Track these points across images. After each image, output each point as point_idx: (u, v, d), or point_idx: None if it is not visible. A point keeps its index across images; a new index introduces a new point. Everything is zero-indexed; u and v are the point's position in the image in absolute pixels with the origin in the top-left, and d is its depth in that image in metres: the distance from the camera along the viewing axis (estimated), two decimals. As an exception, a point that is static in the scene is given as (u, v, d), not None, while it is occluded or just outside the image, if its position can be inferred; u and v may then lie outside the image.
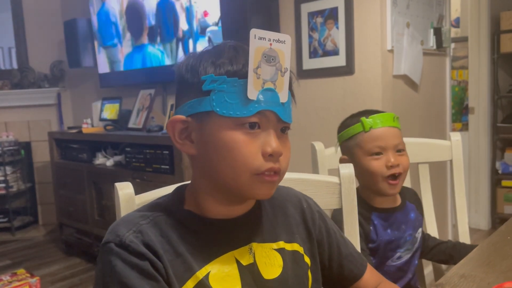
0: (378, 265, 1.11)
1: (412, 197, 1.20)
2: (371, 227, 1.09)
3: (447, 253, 1.22)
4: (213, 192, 0.65)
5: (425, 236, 1.25)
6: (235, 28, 2.23)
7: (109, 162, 2.77)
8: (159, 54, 2.83)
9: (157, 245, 0.61)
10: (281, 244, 0.70)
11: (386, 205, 1.12)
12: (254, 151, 0.61)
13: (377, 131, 1.07)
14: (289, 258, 0.70)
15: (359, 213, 1.05)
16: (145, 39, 2.91)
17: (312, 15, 2.24)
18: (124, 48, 3.07)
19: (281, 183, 0.79)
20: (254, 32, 0.60)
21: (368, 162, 1.06)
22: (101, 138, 2.86)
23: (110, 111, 3.08)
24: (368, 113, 1.11)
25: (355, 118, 1.11)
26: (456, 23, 4.03)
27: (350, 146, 1.10)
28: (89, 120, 3.15)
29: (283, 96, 0.63)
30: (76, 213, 3.03)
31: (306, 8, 2.25)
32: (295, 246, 0.72)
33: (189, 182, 0.71)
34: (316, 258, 0.75)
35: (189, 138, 0.65)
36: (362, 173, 1.08)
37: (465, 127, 3.58)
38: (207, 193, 0.66)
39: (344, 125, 1.14)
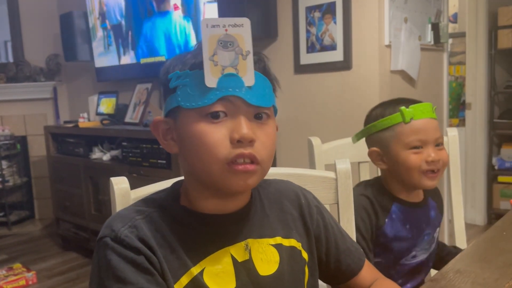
0: (391, 264, 1.05)
1: (435, 195, 1.13)
2: (386, 220, 1.02)
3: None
4: (200, 188, 0.65)
5: (439, 244, 1.18)
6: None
7: (106, 157, 2.77)
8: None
9: (152, 240, 0.61)
10: (278, 239, 0.70)
11: (409, 198, 1.05)
12: (221, 139, 0.60)
13: (418, 122, 0.98)
14: (286, 254, 0.70)
15: (378, 203, 1.02)
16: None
17: (309, 9, 2.23)
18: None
19: (279, 179, 0.79)
20: (206, 22, 0.60)
21: (407, 155, 0.98)
22: (97, 133, 2.85)
23: (107, 105, 3.07)
24: (404, 101, 1.01)
25: (390, 107, 1.01)
26: (454, 19, 4.03)
27: (385, 138, 1.01)
28: (85, 115, 3.14)
29: (248, 80, 0.61)
30: (72, 208, 3.02)
31: (303, 3, 2.24)
32: (293, 242, 0.71)
33: (180, 179, 0.71)
34: (314, 254, 0.75)
35: (173, 137, 0.66)
36: (397, 166, 1.00)
37: (462, 123, 3.59)
38: (195, 189, 0.66)
39: (376, 115, 1.04)
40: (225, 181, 0.61)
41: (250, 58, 0.61)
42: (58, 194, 3.17)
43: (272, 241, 0.69)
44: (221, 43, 0.60)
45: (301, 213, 0.74)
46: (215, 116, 0.61)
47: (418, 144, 0.98)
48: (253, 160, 0.61)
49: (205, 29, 0.59)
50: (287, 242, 0.71)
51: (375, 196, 1.04)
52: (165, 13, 2.70)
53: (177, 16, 2.62)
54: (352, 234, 0.92)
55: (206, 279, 0.63)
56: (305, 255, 0.73)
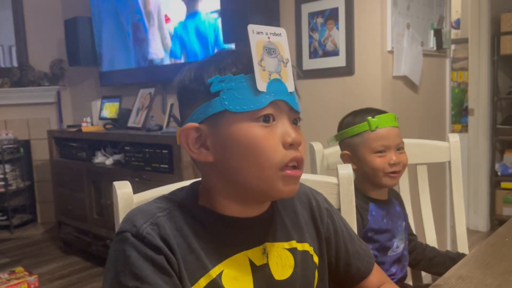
0: (381, 257, 1.16)
1: (395, 194, 1.28)
2: (369, 218, 1.15)
3: (447, 266, 1.19)
4: (232, 196, 0.64)
5: (422, 245, 1.29)
6: (235, 28, 2.23)
7: (109, 161, 2.77)
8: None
9: (173, 240, 0.61)
10: (293, 243, 0.70)
11: (379, 197, 1.20)
12: (275, 144, 0.61)
13: (382, 130, 1.13)
14: (300, 258, 0.70)
15: (358, 205, 1.10)
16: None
17: (312, 15, 2.24)
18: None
19: None
20: (252, 28, 0.61)
21: (373, 159, 1.13)
22: (100, 137, 2.86)
23: (110, 110, 3.08)
24: (370, 111, 1.17)
25: (359, 116, 1.17)
26: (457, 25, 4.03)
27: (354, 143, 1.16)
28: (88, 119, 3.15)
29: (290, 86, 0.64)
30: (74, 212, 3.03)
31: (306, 9, 2.25)
32: (306, 246, 0.71)
33: (200, 179, 0.70)
34: (324, 257, 0.74)
35: (205, 145, 0.64)
36: (365, 167, 1.15)
37: (464, 129, 3.58)
38: (224, 196, 0.65)
39: (348, 123, 1.19)
40: (276, 187, 0.62)
41: (290, 65, 0.64)
42: (60, 198, 3.18)
43: (287, 245, 0.69)
44: (266, 50, 0.62)
45: (312, 216, 0.74)
46: (266, 120, 0.61)
47: (382, 149, 1.13)
48: (299, 162, 0.63)
49: (252, 35, 0.61)
50: (301, 247, 0.70)
51: (358, 202, 1.11)
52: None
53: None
54: (354, 239, 0.93)
55: (225, 282, 0.62)
56: (316, 259, 0.73)
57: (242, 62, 0.62)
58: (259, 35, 0.61)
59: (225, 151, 0.62)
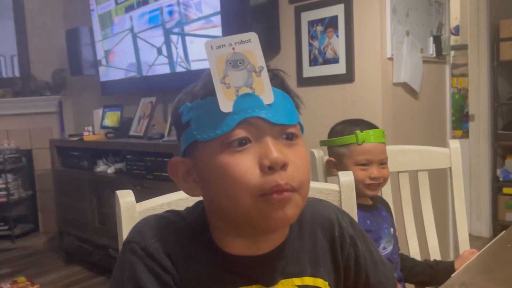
0: None
1: (381, 201, 1.30)
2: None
3: (426, 273, 1.25)
4: (230, 232, 0.59)
5: (402, 256, 1.30)
6: (236, 36, 2.24)
7: (110, 170, 2.78)
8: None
9: (179, 260, 0.58)
10: (306, 280, 0.63)
11: (363, 202, 1.23)
12: (248, 167, 0.53)
13: (368, 145, 1.17)
14: None
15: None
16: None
17: (312, 23, 2.25)
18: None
19: None
20: (210, 44, 0.54)
21: (355, 170, 1.16)
22: (102, 146, 2.87)
23: (111, 118, 3.09)
24: (360, 124, 1.21)
25: (348, 127, 1.21)
26: (456, 31, 4.05)
27: (340, 153, 1.21)
28: (90, 128, 3.16)
29: (267, 97, 0.54)
30: (76, 221, 3.03)
31: (306, 17, 2.27)
32: (319, 282, 0.64)
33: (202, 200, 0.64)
34: None
35: (194, 179, 0.59)
36: None
37: (465, 134, 3.59)
38: (224, 232, 0.60)
39: (337, 132, 1.23)
40: (260, 215, 0.54)
41: (265, 73, 0.55)
42: (62, 207, 3.18)
43: (299, 281, 0.62)
44: (230, 63, 0.54)
45: (332, 247, 0.66)
46: (238, 144, 0.54)
47: (365, 162, 1.17)
48: (291, 190, 0.54)
49: (211, 51, 0.54)
50: (313, 282, 0.64)
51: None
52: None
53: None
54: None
55: None
56: None
57: (212, 84, 0.54)
58: (220, 49, 0.54)
59: (205, 184, 0.58)
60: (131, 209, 0.77)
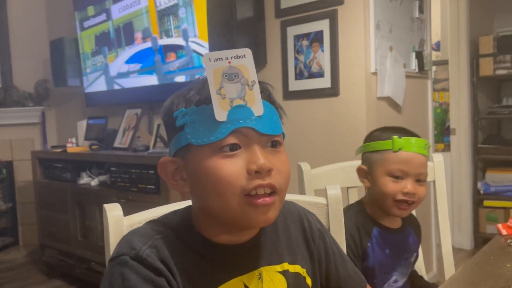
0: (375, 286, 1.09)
1: (412, 222, 1.17)
2: (368, 244, 1.07)
3: None
4: (214, 224, 0.64)
5: (413, 273, 1.21)
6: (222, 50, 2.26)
7: (94, 182, 2.74)
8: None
9: (171, 263, 0.60)
10: (285, 266, 0.69)
11: (388, 224, 1.10)
12: (238, 171, 0.59)
13: (405, 154, 1.03)
14: (292, 280, 0.69)
15: (361, 226, 1.06)
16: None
17: (298, 38, 2.29)
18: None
19: None
20: (209, 56, 0.59)
21: (386, 181, 1.04)
22: (86, 158, 2.84)
23: (96, 130, 3.06)
24: (402, 131, 1.07)
25: (386, 132, 1.08)
26: (437, 47, 4.15)
27: (373, 160, 1.07)
28: (74, 139, 3.12)
29: (257, 109, 0.61)
30: (58, 234, 2.97)
31: (292, 31, 2.30)
32: (297, 268, 0.71)
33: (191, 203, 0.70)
34: (317, 279, 0.74)
35: (183, 177, 0.65)
36: (375, 187, 1.06)
37: (447, 148, 3.66)
38: (210, 225, 0.65)
39: (373, 137, 1.10)
40: (245, 216, 0.60)
41: (257, 87, 0.61)
42: (43, 220, 3.12)
43: (279, 267, 0.68)
44: (226, 76, 0.60)
45: (305, 237, 0.74)
46: (229, 149, 0.60)
47: (398, 174, 1.03)
48: (272, 189, 0.60)
49: (208, 64, 0.59)
50: (292, 268, 0.70)
51: (359, 220, 1.08)
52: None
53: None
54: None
55: None
56: (309, 281, 0.72)
57: (205, 92, 0.61)
58: (217, 62, 0.59)
59: (195, 184, 0.63)
60: (119, 223, 0.77)
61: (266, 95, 0.64)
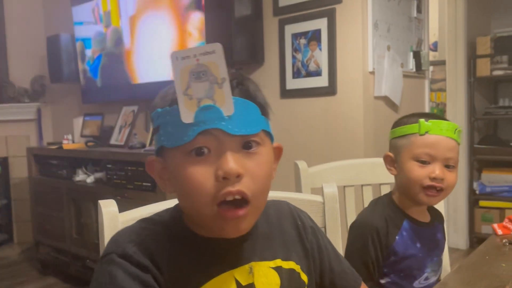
0: (404, 285, 1.02)
1: (439, 218, 1.12)
2: (397, 237, 1.00)
3: None
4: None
5: None
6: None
7: (90, 179, 2.73)
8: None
9: (159, 259, 0.60)
10: (278, 262, 0.68)
11: (419, 217, 1.05)
12: (206, 177, 0.57)
13: (432, 137, 0.97)
14: (286, 276, 0.68)
15: (390, 219, 1.01)
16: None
17: (295, 36, 2.28)
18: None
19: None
20: (175, 54, 0.56)
21: (411, 167, 0.98)
22: (81, 155, 2.82)
23: (92, 127, 3.05)
24: (430, 116, 1.02)
25: (414, 117, 1.02)
26: (434, 47, 4.16)
27: (399, 145, 1.02)
28: (70, 136, 3.11)
29: (227, 109, 0.56)
30: (53, 231, 2.96)
31: (290, 30, 2.30)
32: (291, 264, 0.70)
33: None
34: (312, 276, 0.73)
35: (169, 177, 0.64)
36: (402, 174, 1.01)
37: (443, 148, 3.65)
38: (197, 223, 0.64)
39: (400, 122, 1.05)
40: (216, 226, 0.59)
41: (227, 85, 0.56)
42: (38, 217, 3.10)
43: (273, 263, 0.68)
44: (193, 75, 0.56)
45: (298, 235, 0.73)
46: (197, 153, 0.57)
47: (425, 159, 0.97)
48: (243, 196, 0.57)
49: (176, 62, 0.56)
50: (286, 265, 0.69)
51: (388, 213, 1.03)
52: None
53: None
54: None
55: None
56: (304, 277, 0.71)
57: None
58: (184, 60, 0.56)
59: (174, 186, 0.62)
60: (114, 219, 0.77)
61: (243, 90, 0.60)
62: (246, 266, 0.65)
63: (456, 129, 0.99)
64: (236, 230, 0.60)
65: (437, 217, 1.11)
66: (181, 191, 0.60)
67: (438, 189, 0.97)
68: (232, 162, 0.56)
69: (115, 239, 0.62)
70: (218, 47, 0.56)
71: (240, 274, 0.64)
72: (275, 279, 0.67)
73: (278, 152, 0.67)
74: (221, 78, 0.56)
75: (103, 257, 0.60)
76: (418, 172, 0.97)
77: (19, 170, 3.55)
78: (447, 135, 0.97)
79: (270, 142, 0.63)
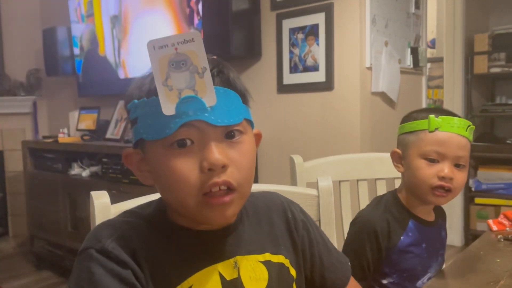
0: (407, 286, 1.00)
1: (443, 216, 1.10)
2: (402, 237, 0.97)
3: None
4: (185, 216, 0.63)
5: None
6: (217, 43, 2.25)
7: (85, 173, 2.72)
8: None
9: (140, 254, 0.58)
10: (267, 256, 0.67)
11: (423, 216, 1.01)
12: (190, 169, 0.56)
13: (442, 134, 0.92)
14: (275, 270, 0.67)
15: (394, 219, 0.97)
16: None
17: (293, 31, 2.27)
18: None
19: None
20: (152, 44, 0.54)
21: (420, 165, 0.93)
22: (77, 148, 2.81)
23: (88, 121, 3.03)
24: (441, 112, 0.96)
25: (424, 113, 0.97)
26: (432, 44, 4.15)
27: (407, 141, 0.97)
28: (65, 130, 3.09)
29: (209, 99, 0.55)
30: (48, 225, 2.95)
31: (287, 24, 2.29)
32: (281, 258, 0.69)
33: None
34: (301, 270, 0.72)
35: (148, 169, 0.62)
36: (409, 172, 0.97)
37: (440, 145, 3.65)
38: (181, 214, 0.63)
39: (409, 117, 1.00)
40: (202, 215, 0.58)
41: (208, 75, 0.55)
42: (33, 211, 3.09)
43: (261, 257, 0.67)
44: (172, 64, 0.54)
45: (288, 228, 0.72)
46: (180, 145, 0.56)
47: (434, 157, 0.93)
48: (229, 186, 0.57)
49: (153, 52, 0.54)
50: (275, 259, 0.68)
51: (393, 213, 0.99)
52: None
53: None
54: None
55: None
56: (293, 271, 0.70)
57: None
58: (162, 49, 0.54)
59: (155, 178, 0.61)
60: (106, 210, 0.76)
61: (224, 79, 0.59)
62: (231, 260, 0.63)
63: (468, 126, 0.94)
64: (222, 217, 0.59)
65: (440, 214, 1.08)
66: (164, 184, 0.59)
67: (446, 189, 0.93)
68: (216, 153, 0.56)
69: (94, 233, 0.60)
70: (197, 35, 0.54)
71: (224, 268, 0.62)
72: (263, 273, 0.66)
73: (258, 138, 0.66)
74: (202, 67, 0.54)
75: (82, 251, 0.59)
76: (426, 171, 0.93)
77: (15, 163, 3.53)
78: (458, 132, 0.93)
79: (251, 130, 0.63)
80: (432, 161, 0.93)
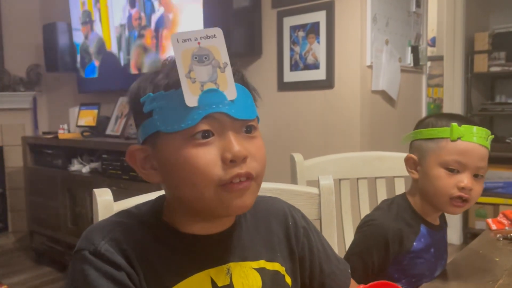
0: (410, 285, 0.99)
1: (445, 220, 1.09)
2: (415, 243, 0.95)
3: None
4: (188, 213, 0.62)
5: None
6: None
7: (85, 169, 2.73)
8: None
9: (133, 256, 0.58)
10: (262, 263, 0.66)
11: (432, 221, 1.00)
12: (213, 160, 0.56)
13: (465, 144, 0.90)
14: (269, 278, 0.66)
15: (408, 225, 0.95)
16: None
17: (294, 28, 2.27)
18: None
19: (261, 194, 0.78)
20: (176, 37, 0.55)
21: (439, 174, 0.91)
22: (77, 144, 2.81)
23: (88, 117, 3.03)
24: (460, 119, 0.94)
25: (443, 120, 0.94)
26: (432, 43, 4.15)
27: (425, 148, 0.94)
28: (65, 126, 3.09)
29: (230, 93, 0.57)
30: (48, 221, 2.95)
31: (288, 22, 2.29)
32: (276, 266, 0.67)
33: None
34: (297, 279, 0.71)
35: (153, 166, 0.61)
36: (426, 180, 0.94)
37: (439, 143, 3.66)
38: (182, 213, 0.62)
39: (427, 123, 0.96)
40: (223, 203, 0.57)
41: (229, 70, 0.57)
42: (33, 206, 3.10)
43: (255, 264, 0.65)
44: (195, 58, 0.55)
45: (287, 235, 0.71)
46: (202, 137, 0.56)
47: (455, 167, 0.91)
48: (249, 177, 0.58)
49: (177, 45, 0.55)
50: (270, 266, 0.67)
51: (405, 220, 0.97)
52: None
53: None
54: (335, 250, 0.93)
55: None
56: (288, 280, 0.69)
57: (174, 75, 0.56)
58: (185, 43, 0.55)
59: (167, 173, 0.60)
60: (109, 208, 0.76)
61: (239, 77, 0.61)
62: (224, 267, 0.62)
63: (488, 136, 0.93)
64: (242, 204, 0.59)
65: (443, 218, 1.07)
66: (179, 177, 0.58)
67: (463, 199, 0.91)
68: (238, 145, 0.57)
69: (88, 234, 0.60)
70: (218, 31, 0.56)
71: (216, 274, 0.62)
72: (257, 280, 0.65)
73: None
74: (223, 62, 0.56)
75: (76, 252, 0.59)
76: (446, 180, 0.91)
77: (14, 159, 3.53)
78: (479, 142, 0.91)
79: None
80: (452, 170, 0.91)
